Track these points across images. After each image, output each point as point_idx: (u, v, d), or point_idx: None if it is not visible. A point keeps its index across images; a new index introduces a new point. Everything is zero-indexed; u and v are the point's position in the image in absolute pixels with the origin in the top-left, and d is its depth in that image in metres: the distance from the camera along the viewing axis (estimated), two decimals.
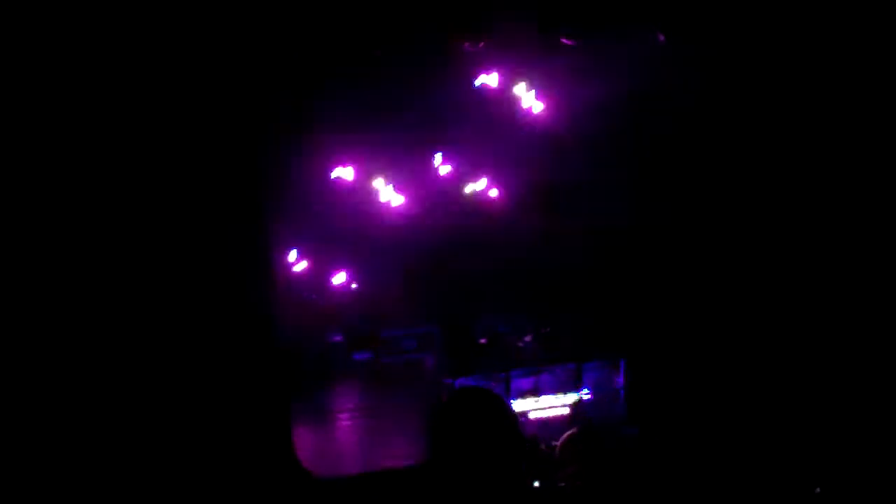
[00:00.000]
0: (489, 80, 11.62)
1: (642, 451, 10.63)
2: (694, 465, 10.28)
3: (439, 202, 12.70)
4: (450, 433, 3.62)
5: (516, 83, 11.62)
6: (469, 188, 12.86)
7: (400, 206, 12.63)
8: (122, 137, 8.94)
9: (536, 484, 11.29)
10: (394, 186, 12.63)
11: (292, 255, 13.18)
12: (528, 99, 11.76)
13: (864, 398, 10.33)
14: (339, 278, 13.52)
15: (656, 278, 12.36)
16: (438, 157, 12.68)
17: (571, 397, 12.62)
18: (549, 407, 12.73)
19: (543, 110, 11.74)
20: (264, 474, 10.10)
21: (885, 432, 9.76)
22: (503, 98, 11.67)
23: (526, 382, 12.88)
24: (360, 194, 12.44)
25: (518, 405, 12.42)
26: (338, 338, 13.86)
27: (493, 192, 12.96)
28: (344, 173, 12.45)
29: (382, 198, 12.67)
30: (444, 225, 12.75)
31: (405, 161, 12.42)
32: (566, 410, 12.91)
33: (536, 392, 12.87)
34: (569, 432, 7.46)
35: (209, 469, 9.37)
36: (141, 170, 8.97)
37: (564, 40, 11.14)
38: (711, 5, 10.71)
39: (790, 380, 11.07)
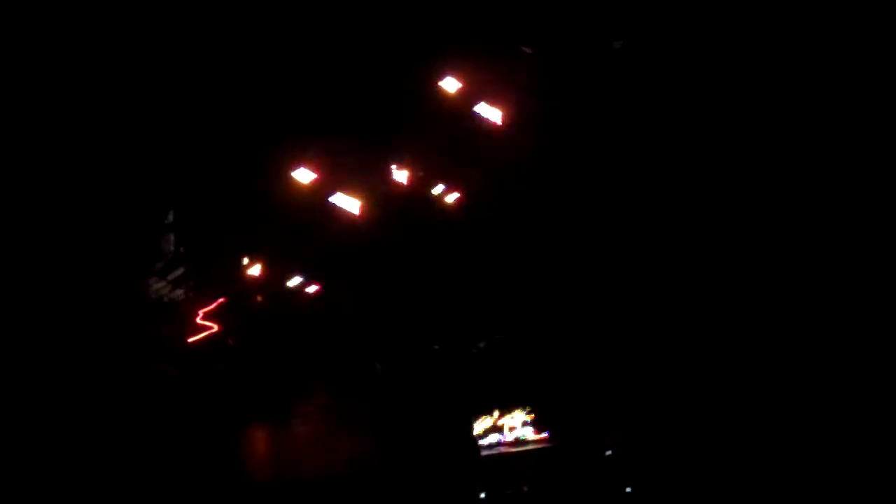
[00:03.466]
0: (447, 86, 11.67)
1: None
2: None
3: (397, 207, 12.68)
4: (399, 436, 3.58)
5: (475, 90, 11.68)
6: (427, 193, 12.86)
7: (357, 210, 12.60)
8: None
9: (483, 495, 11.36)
10: (351, 191, 12.60)
11: (247, 261, 13.13)
12: (487, 106, 11.81)
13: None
14: (297, 280, 13.49)
15: (618, 283, 12.39)
16: (396, 165, 12.67)
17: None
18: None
19: (502, 117, 11.80)
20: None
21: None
22: (462, 105, 11.72)
23: None
24: (317, 199, 12.41)
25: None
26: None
27: (452, 198, 12.97)
28: (302, 177, 12.42)
29: (340, 202, 12.64)
30: (401, 230, 12.75)
31: (363, 166, 12.39)
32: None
33: None
34: None
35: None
36: None
37: (523, 48, 11.23)
38: (668, 13, 10.87)
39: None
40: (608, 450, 11.31)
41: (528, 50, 11.06)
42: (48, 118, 9.88)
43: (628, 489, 10.74)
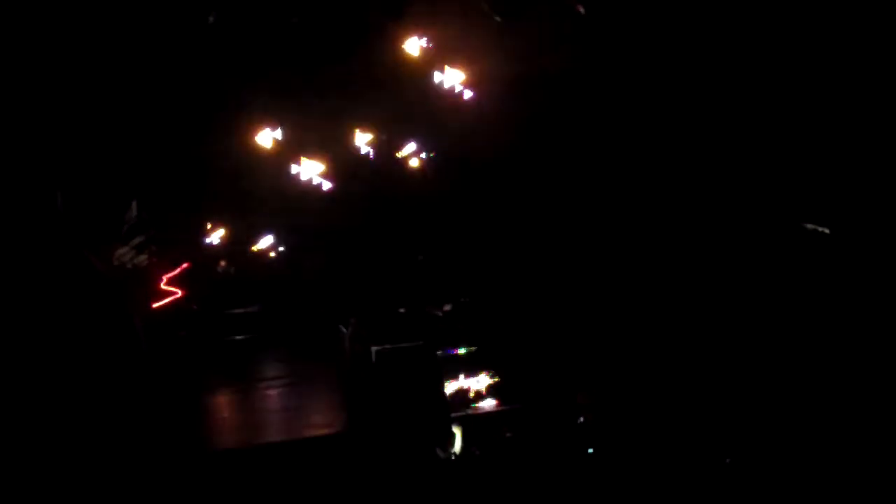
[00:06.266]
0: (411, 49, 11.64)
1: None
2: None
3: (360, 170, 12.67)
4: (368, 399, 3.57)
5: (439, 55, 11.66)
6: (390, 156, 12.85)
7: (321, 173, 12.58)
8: None
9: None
10: (314, 153, 12.57)
11: (211, 225, 13.09)
12: (451, 70, 11.80)
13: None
14: (261, 244, 13.47)
15: (584, 246, 12.41)
16: (359, 127, 12.63)
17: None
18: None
19: (465, 82, 11.80)
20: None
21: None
22: (425, 67, 11.69)
23: None
24: (281, 161, 12.39)
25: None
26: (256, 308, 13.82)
27: (415, 162, 12.97)
28: (264, 141, 12.36)
29: (303, 166, 12.60)
30: (364, 193, 12.76)
31: (326, 129, 12.36)
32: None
33: None
34: None
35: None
36: None
37: (493, 14, 11.23)
38: None
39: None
40: (578, 415, 11.39)
41: (497, 18, 11.06)
42: (6, 93, 9.78)
43: (590, 450, 10.81)
